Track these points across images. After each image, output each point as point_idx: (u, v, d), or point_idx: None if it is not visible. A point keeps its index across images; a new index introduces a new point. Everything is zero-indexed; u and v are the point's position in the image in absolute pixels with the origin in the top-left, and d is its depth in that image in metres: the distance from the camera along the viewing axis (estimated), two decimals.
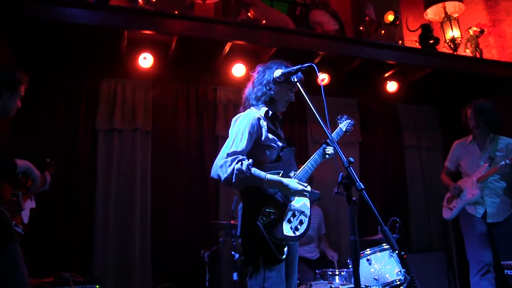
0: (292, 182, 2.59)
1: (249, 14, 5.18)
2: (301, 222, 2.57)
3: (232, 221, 3.99)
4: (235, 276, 3.91)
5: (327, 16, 5.64)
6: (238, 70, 5.17)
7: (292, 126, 5.76)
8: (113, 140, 4.94)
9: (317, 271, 4.30)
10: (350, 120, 3.32)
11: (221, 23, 4.77)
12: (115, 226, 4.76)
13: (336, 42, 5.23)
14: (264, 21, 5.13)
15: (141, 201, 4.91)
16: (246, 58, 5.16)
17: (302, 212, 2.62)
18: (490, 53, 6.46)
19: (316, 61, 5.18)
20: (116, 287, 4.65)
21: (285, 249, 2.49)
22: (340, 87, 5.90)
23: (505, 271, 3.55)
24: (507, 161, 4.02)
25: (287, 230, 2.50)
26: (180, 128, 5.26)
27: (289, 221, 2.53)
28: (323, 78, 5.54)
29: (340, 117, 3.33)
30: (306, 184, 2.65)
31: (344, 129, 3.23)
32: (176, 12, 4.61)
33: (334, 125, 3.27)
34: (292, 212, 2.58)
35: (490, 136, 4.38)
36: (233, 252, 3.95)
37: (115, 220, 4.78)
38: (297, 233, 2.52)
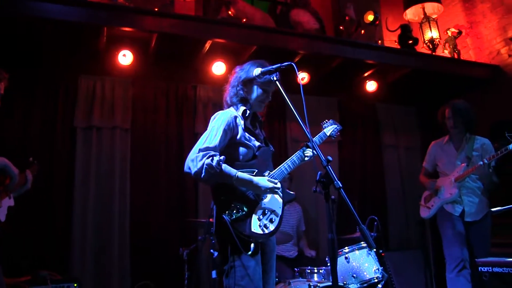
0: (262, 180, 2.61)
1: (229, 12, 5.17)
2: (271, 221, 2.59)
3: (210, 219, 3.96)
4: (213, 274, 3.89)
5: (308, 15, 5.67)
6: (218, 68, 5.15)
7: (271, 124, 5.77)
8: (92, 137, 4.89)
9: (295, 269, 4.32)
10: (336, 126, 3.29)
11: (201, 21, 4.77)
12: (93, 224, 4.72)
13: (316, 41, 5.27)
14: (244, 20, 5.14)
15: (120, 199, 4.88)
16: (226, 56, 5.15)
17: (273, 211, 2.64)
18: (468, 54, 6.57)
19: (296, 60, 5.21)
20: (95, 286, 4.61)
21: (252, 245, 2.51)
22: (320, 86, 5.94)
23: (479, 268, 3.61)
24: (485, 161, 4.07)
25: (255, 227, 2.52)
26: (159, 126, 5.23)
27: (259, 219, 2.56)
28: (303, 77, 5.56)
29: (326, 121, 3.30)
30: (276, 181, 2.65)
31: (328, 134, 3.21)
32: (156, 10, 4.60)
33: (318, 126, 3.28)
34: (262, 210, 2.61)
35: (466, 136, 4.45)
36: (212, 250, 3.93)
37: (94, 218, 4.73)
38: (266, 231, 2.54)
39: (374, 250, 4.09)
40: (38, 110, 4.75)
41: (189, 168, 2.56)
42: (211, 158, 2.51)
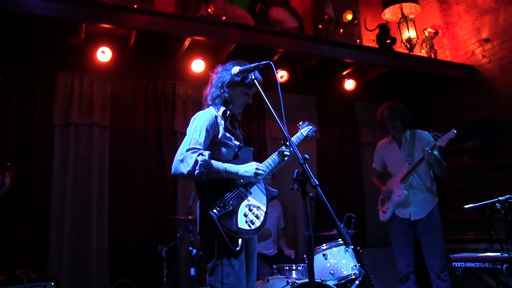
0: (249, 166, 2.66)
1: (209, 9, 5.17)
2: (257, 217, 2.61)
3: (190, 217, 3.99)
4: (192, 271, 3.91)
5: (287, 13, 5.70)
6: (198, 66, 5.15)
7: (250, 123, 5.79)
8: (70, 134, 4.84)
9: (274, 266, 4.36)
10: (312, 127, 3.33)
11: (180, 18, 4.76)
12: (71, 222, 4.67)
13: (295, 40, 5.31)
14: (224, 17, 5.14)
15: (98, 197, 4.84)
16: (205, 54, 5.16)
17: (258, 207, 2.66)
18: (444, 54, 6.69)
19: (275, 58, 5.25)
20: (72, 284, 4.57)
21: (239, 241, 2.52)
22: (299, 84, 5.99)
23: (453, 263, 3.70)
24: (428, 150, 4.11)
25: (242, 223, 2.53)
26: (138, 123, 5.20)
27: (245, 215, 2.57)
28: (282, 75, 5.60)
29: (303, 123, 3.34)
30: (256, 164, 2.70)
31: (304, 134, 3.24)
32: (135, 6, 4.56)
33: (296, 124, 3.33)
34: (248, 206, 2.62)
35: (405, 134, 4.52)
36: (190, 248, 3.96)
37: (71, 216, 4.68)
38: (252, 227, 2.55)
39: (351, 247, 4.15)
40: (15, 107, 4.67)
41: (179, 169, 2.54)
42: (200, 154, 2.52)
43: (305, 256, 4.24)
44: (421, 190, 4.38)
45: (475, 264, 3.50)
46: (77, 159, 4.84)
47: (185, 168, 2.51)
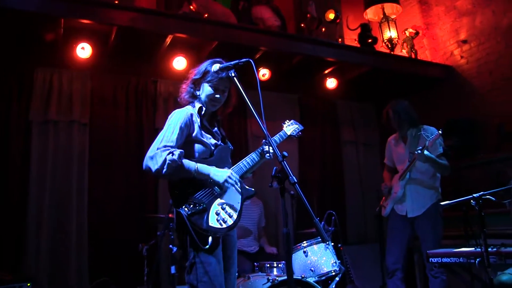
0: (221, 171, 2.64)
1: (191, 7, 5.14)
2: (229, 215, 2.61)
3: (170, 215, 3.96)
4: (173, 269, 3.88)
5: (270, 12, 5.71)
6: (179, 63, 5.12)
7: (231, 121, 5.77)
8: (48, 132, 4.77)
9: (255, 263, 4.37)
10: (298, 126, 3.30)
11: (162, 15, 4.72)
12: (49, 221, 4.60)
13: (278, 38, 5.31)
14: (206, 15, 5.13)
15: (78, 196, 4.78)
16: (187, 52, 5.13)
17: (231, 206, 2.66)
18: (424, 54, 6.77)
19: (258, 56, 5.24)
20: (50, 284, 4.50)
21: (209, 240, 2.52)
22: (281, 82, 6.00)
23: (430, 259, 3.75)
24: (418, 151, 4.14)
25: (213, 221, 2.54)
26: (119, 121, 5.15)
27: (217, 213, 2.57)
28: (264, 73, 5.60)
29: (288, 121, 3.31)
30: (235, 174, 2.68)
31: (289, 133, 3.21)
32: (116, 2, 4.53)
33: (278, 122, 3.32)
34: (221, 204, 2.63)
35: (409, 131, 4.57)
36: (171, 246, 3.93)
37: (50, 215, 4.62)
38: (224, 226, 2.56)
39: (332, 244, 4.18)
40: None
41: (148, 166, 2.56)
42: (171, 153, 2.51)
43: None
44: (420, 186, 4.43)
45: (450, 259, 3.55)
46: (56, 157, 4.77)
47: (153, 166, 2.52)
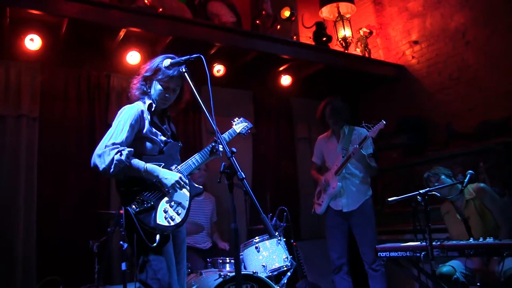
0: (170, 174, 2.64)
1: (145, 1, 5.07)
2: (178, 213, 2.62)
3: (121, 211, 3.91)
4: (123, 266, 3.84)
5: (225, 8, 5.71)
6: (133, 57, 5.03)
7: (186, 116, 5.72)
8: None
9: (208, 259, 4.38)
10: (247, 124, 3.32)
11: (115, 8, 4.63)
12: None
13: (232, 34, 5.32)
14: (160, 9, 5.07)
15: (26, 192, 4.62)
16: (141, 46, 5.05)
17: (179, 203, 2.66)
18: (378, 54, 6.95)
19: (212, 52, 5.24)
20: None
21: (157, 237, 2.52)
22: (236, 78, 6.01)
23: (379, 253, 3.87)
24: (356, 146, 4.32)
25: (161, 219, 2.54)
26: (70, 115, 5.01)
27: (165, 211, 2.57)
28: (219, 69, 5.59)
29: (238, 119, 3.32)
30: (180, 176, 2.69)
31: (238, 131, 3.24)
32: None
33: (232, 118, 3.33)
34: (169, 202, 2.63)
35: (343, 129, 4.72)
36: (121, 242, 3.88)
37: None
38: (172, 223, 2.57)
39: (284, 239, 4.24)
40: None
41: (96, 164, 2.54)
42: (119, 153, 2.49)
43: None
44: (354, 181, 4.56)
45: (398, 253, 3.69)
46: (2, 153, 4.59)
47: (101, 165, 2.51)
